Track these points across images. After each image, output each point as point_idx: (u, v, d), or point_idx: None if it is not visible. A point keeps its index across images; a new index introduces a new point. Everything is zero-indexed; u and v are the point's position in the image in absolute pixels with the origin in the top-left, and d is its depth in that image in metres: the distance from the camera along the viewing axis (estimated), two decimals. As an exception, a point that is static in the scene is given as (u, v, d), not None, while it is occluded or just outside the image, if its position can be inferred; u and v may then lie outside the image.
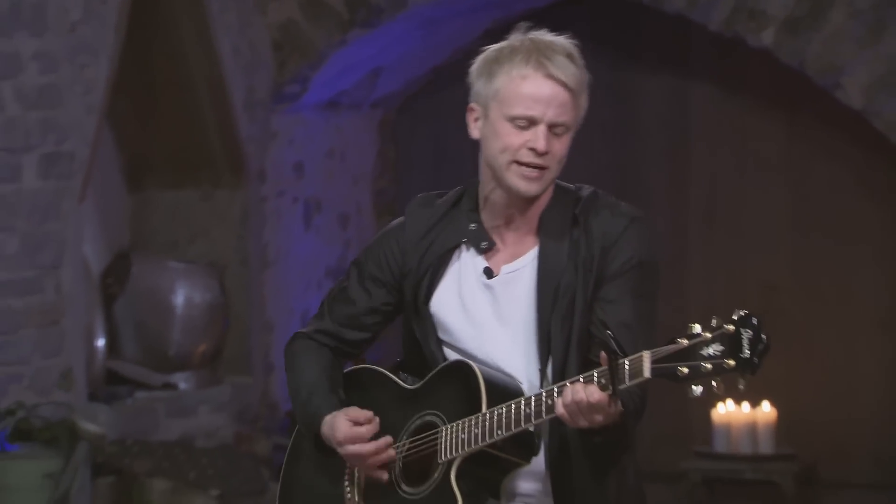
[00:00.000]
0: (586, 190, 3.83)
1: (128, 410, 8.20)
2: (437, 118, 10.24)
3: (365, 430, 3.78)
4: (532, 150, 3.69)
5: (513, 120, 3.72)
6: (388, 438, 3.79)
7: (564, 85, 3.70)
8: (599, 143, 9.89)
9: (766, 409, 9.49)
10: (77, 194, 7.76)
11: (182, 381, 8.77)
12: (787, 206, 10.03)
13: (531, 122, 3.71)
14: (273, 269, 9.59)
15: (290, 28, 9.51)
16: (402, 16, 9.42)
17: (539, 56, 3.71)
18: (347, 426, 3.78)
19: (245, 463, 7.87)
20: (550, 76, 3.69)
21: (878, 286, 9.92)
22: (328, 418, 3.81)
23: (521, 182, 3.73)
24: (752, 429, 9.49)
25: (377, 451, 3.77)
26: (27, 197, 7.45)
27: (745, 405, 9.49)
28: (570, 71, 3.71)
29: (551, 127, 3.71)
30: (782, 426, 9.56)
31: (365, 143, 10.40)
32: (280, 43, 9.51)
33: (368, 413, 3.79)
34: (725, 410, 9.50)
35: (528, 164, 3.71)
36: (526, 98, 3.71)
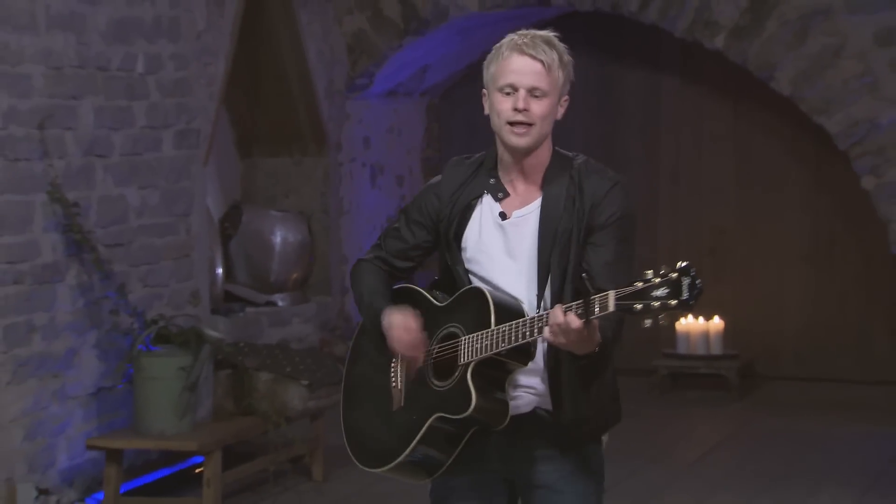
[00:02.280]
0: (580, 158, 3.75)
1: (240, 321, 8.24)
2: (471, 103, 10.14)
3: (411, 323, 3.71)
4: (516, 109, 3.66)
5: (501, 90, 3.66)
6: (423, 333, 3.72)
7: (536, 59, 3.65)
8: (591, 122, 9.95)
9: (717, 321, 9.55)
10: (202, 160, 7.76)
11: (280, 300, 8.81)
12: (734, 169, 10.04)
13: (514, 89, 3.65)
14: (347, 217, 9.62)
15: (360, 36, 9.54)
16: (444, 26, 9.44)
17: (520, 43, 3.68)
18: (400, 316, 3.73)
19: (327, 361, 7.75)
20: (524, 53, 3.65)
21: (802, 229, 9.94)
22: (387, 310, 3.76)
23: (513, 137, 3.67)
24: (705, 336, 9.55)
25: (416, 337, 3.71)
26: (165, 162, 7.43)
27: (701, 318, 9.54)
28: (544, 50, 3.66)
29: (530, 91, 3.64)
30: (729, 334, 9.61)
31: (416, 123, 10.43)
32: (353, 47, 9.51)
33: (417, 311, 3.75)
34: (686, 322, 9.54)
35: (515, 122, 3.68)
36: (508, 72, 3.65)
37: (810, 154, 9.82)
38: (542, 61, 3.66)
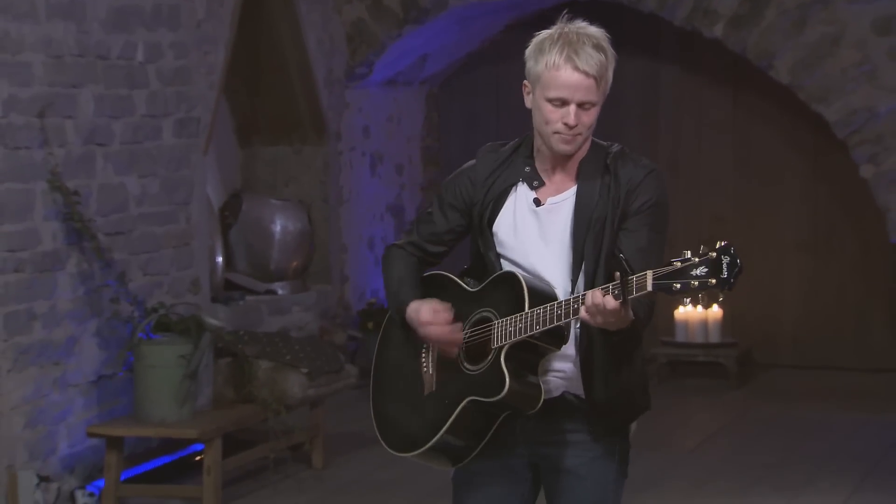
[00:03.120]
0: (615, 147, 3.76)
1: (240, 309, 8.25)
2: (470, 92, 10.25)
3: (443, 316, 3.73)
4: (565, 124, 3.66)
5: (550, 101, 3.65)
6: (459, 324, 3.74)
7: (589, 75, 3.63)
8: (591, 111, 9.94)
9: (715, 309, 9.52)
10: (202, 149, 7.75)
11: (280, 288, 8.81)
12: (732, 158, 10.05)
13: (564, 103, 3.64)
14: (347, 206, 9.63)
15: (359, 25, 9.55)
16: (443, 15, 9.43)
17: (570, 51, 3.64)
18: (430, 310, 3.74)
19: (326, 349, 7.78)
20: (578, 70, 3.63)
21: (799, 218, 9.95)
22: (414, 304, 3.77)
23: (561, 145, 3.68)
24: (704, 323, 9.52)
25: (451, 332, 3.73)
26: (165, 151, 7.42)
27: (700, 306, 9.51)
28: (595, 60, 3.64)
29: (580, 105, 3.64)
30: (727, 321, 9.60)
31: (415, 111, 10.42)
32: (352, 36, 9.53)
33: (447, 304, 3.75)
34: (684, 310, 9.51)
35: (563, 133, 3.67)
36: (559, 85, 3.64)
37: (809, 143, 9.82)
38: (592, 76, 3.65)
